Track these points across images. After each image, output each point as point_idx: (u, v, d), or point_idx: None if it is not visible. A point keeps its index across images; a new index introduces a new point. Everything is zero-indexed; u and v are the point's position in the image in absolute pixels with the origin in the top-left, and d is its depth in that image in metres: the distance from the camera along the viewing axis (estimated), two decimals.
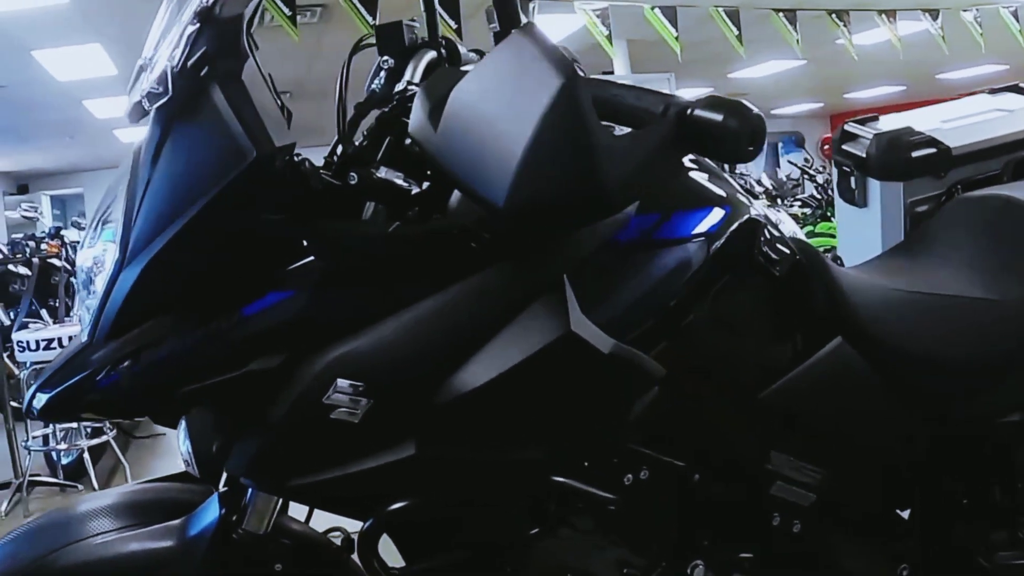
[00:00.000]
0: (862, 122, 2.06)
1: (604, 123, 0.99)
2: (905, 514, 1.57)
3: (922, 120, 2.02)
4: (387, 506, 1.13)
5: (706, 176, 1.32)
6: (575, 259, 1.16)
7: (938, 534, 1.56)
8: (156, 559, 1.22)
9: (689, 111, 1.00)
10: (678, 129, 1.01)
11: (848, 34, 7.45)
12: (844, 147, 2.06)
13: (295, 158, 1.12)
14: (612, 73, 9.05)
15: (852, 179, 2.08)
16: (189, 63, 1.06)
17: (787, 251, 1.33)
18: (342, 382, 1.08)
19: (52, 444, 4.69)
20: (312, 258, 1.11)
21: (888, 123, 2.03)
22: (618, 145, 0.98)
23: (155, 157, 1.10)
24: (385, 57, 1.32)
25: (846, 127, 2.07)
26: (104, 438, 4.62)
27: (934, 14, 7.18)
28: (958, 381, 1.48)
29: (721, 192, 1.29)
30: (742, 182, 8.65)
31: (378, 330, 1.10)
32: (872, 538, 1.52)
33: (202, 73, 1.06)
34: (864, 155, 1.99)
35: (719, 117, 0.99)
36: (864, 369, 1.41)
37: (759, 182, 8.46)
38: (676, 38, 7.05)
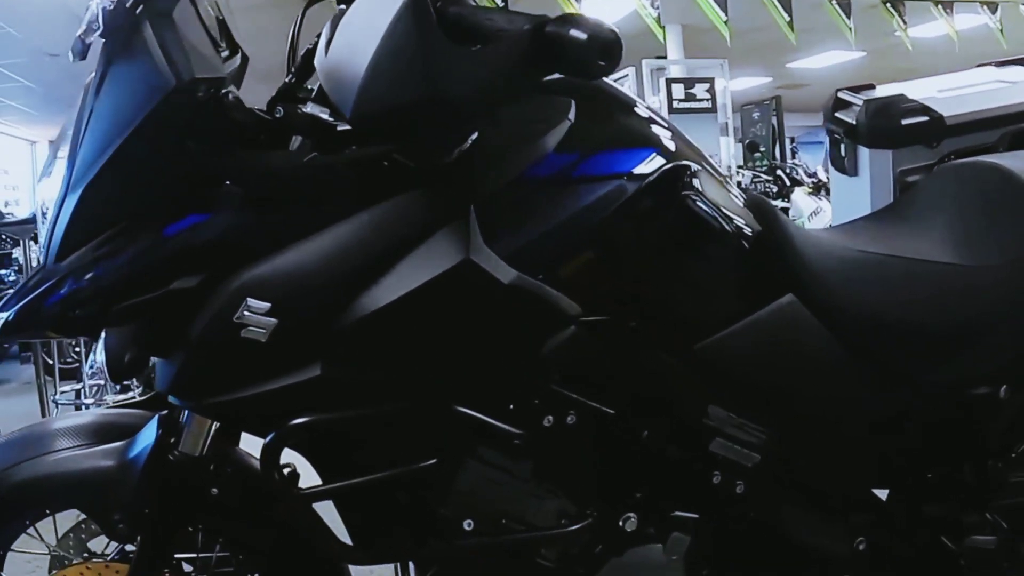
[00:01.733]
0: (856, 89, 2.00)
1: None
2: (882, 494, 1.53)
3: (918, 89, 1.97)
4: (290, 421, 1.15)
5: (646, 122, 1.30)
6: (484, 191, 1.17)
7: (901, 511, 1.52)
8: (100, 477, 1.28)
9: (544, 27, 1.02)
10: (531, 43, 1.02)
11: (904, 25, 7.28)
12: (836, 115, 2.01)
13: (223, 92, 1.15)
14: (665, 58, 9.01)
15: (842, 147, 2.02)
16: (125, 2, 1.11)
17: (728, 203, 1.31)
18: (252, 301, 1.12)
19: (81, 399, 4.80)
20: (231, 183, 1.15)
21: (884, 92, 1.98)
22: (466, 54, 1.02)
23: (98, 90, 1.15)
24: (341, 5, 1.34)
25: (839, 94, 2.02)
26: (131, 394, 4.72)
27: (992, 7, 6.98)
28: (918, 347, 1.43)
29: (651, 135, 1.27)
30: (791, 170, 8.52)
31: (288, 253, 1.13)
32: (828, 510, 1.47)
33: (137, 11, 1.11)
34: (854, 122, 1.94)
35: (570, 31, 1.00)
36: (816, 330, 1.37)
37: (815, 174, 8.33)
38: (725, 23, 6.97)
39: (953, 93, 1.96)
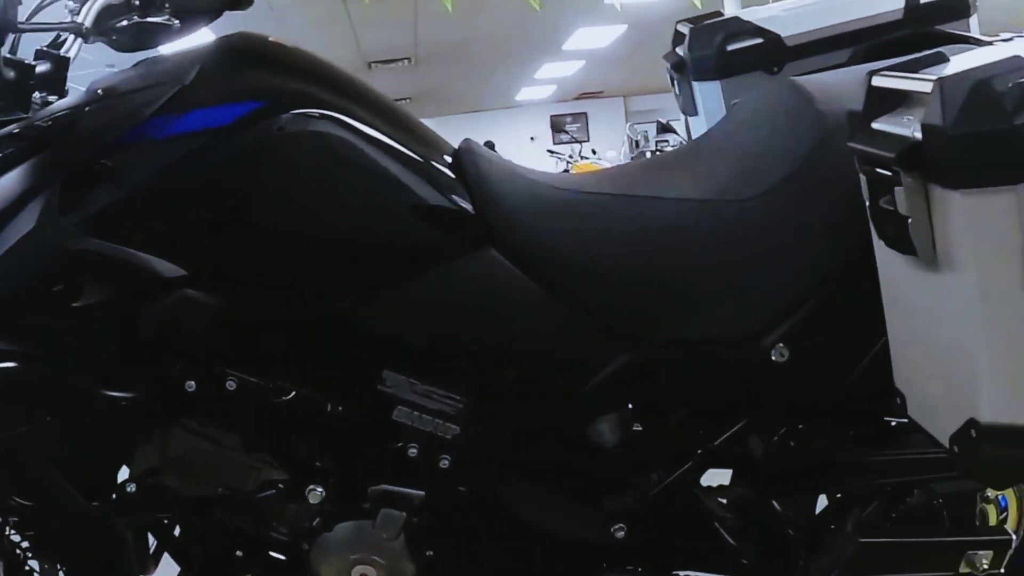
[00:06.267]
0: (696, 19, 1.80)
1: None
2: None
3: (760, 10, 1.74)
4: None
5: (282, 74, 1.24)
6: (72, 162, 1.17)
7: (657, 488, 1.32)
8: None
9: None
10: None
11: None
12: (675, 50, 1.81)
13: None
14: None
15: (676, 85, 1.82)
16: None
17: (376, 147, 1.20)
18: None
19: None
20: None
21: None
22: None
23: None
24: None
25: (677, 27, 1.81)
26: None
27: None
28: (646, 300, 1.24)
29: (256, 86, 1.20)
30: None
31: None
32: (578, 492, 1.31)
33: None
34: (681, 54, 1.74)
35: None
36: (520, 286, 1.22)
37: None
38: None
39: (797, 11, 1.72)
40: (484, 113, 14.32)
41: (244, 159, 1.16)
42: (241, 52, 1.24)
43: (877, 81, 1.01)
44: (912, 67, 1.00)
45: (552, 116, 7.80)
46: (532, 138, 12.41)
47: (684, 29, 1.77)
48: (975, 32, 1.73)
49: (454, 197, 1.23)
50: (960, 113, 0.86)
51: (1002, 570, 1.31)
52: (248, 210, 1.17)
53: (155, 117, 1.15)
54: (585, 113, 14.74)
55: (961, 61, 0.96)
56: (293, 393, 1.20)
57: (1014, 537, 1.38)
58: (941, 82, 0.88)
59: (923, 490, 1.36)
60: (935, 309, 0.99)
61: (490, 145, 7.93)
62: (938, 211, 0.92)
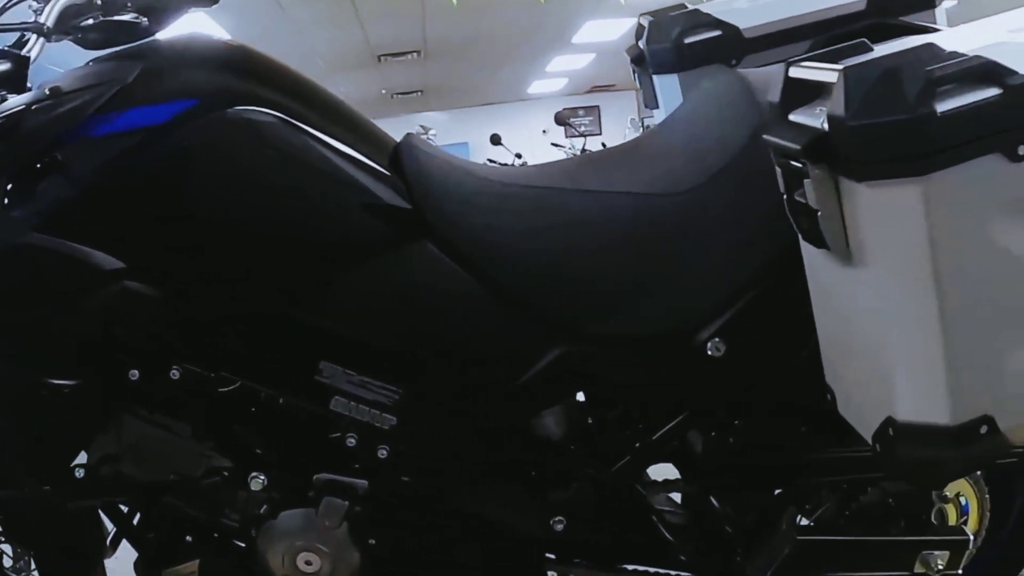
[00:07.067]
0: (659, 13, 1.77)
1: None
2: None
3: (721, 2, 1.72)
4: None
5: (200, 69, 1.23)
6: (18, 159, 1.18)
7: (596, 481, 1.31)
8: None
9: None
10: None
11: None
12: (637, 44, 1.79)
13: None
14: None
15: (638, 78, 1.79)
16: None
17: (313, 143, 1.21)
18: None
19: None
20: None
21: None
22: None
23: None
24: None
25: (640, 19, 1.79)
26: None
27: None
28: (580, 294, 1.23)
29: (193, 84, 1.20)
30: None
31: None
32: (518, 484, 1.30)
33: None
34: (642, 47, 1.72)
35: None
36: (454, 278, 1.22)
37: None
38: None
39: (755, 3, 1.70)
40: (496, 106, 14.27)
41: (178, 156, 1.17)
42: (183, 51, 1.25)
43: (794, 72, 0.99)
44: (833, 57, 0.97)
45: (556, 111, 7.72)
46: (544, 131, 12.36)
47: (644, 22, 1.75)
48: (943, 24, 1.70)
49: (391, 192, 1.23)
50: (861, 103, 0.84)
51: (960, 571, 1.29)
52: (183, 206, 1.18)
53: (96, 115, 1.16)
54: (597, 106, 14.67)
55: (882, 51, 0.94)
56: (236, 383, 1.21)
57: (971, 538, 1.36)
58: (845, 72, 0.86)
59: (875, 488, 1.35)
60: (852, 304, 0.98)
61: (496, 138, 7.90)
62: (848, 204, 0.91)
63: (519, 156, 8.21)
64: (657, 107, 1.77)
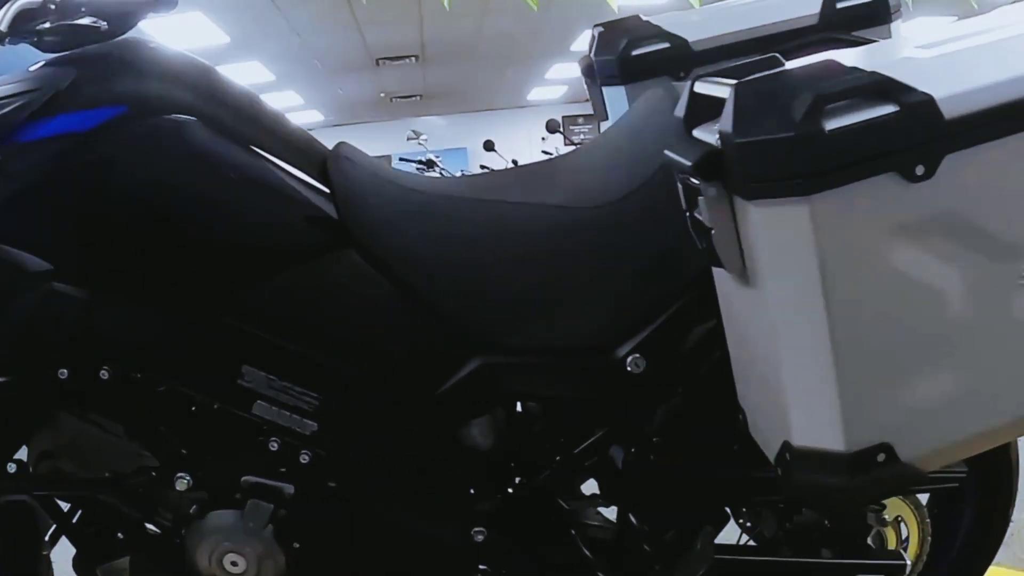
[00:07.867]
0: (608, 24, 1.76)
1: None
2: None
3: (671, 15, 1.70)
4: None
5: (130, 77, 1.22)
6: None
7: (516, 493, 1.30)
8: None
9: None
10: None
11: None
12: (589, 54, 1.77)
13: None
14: None
15: (588, 89, 1.78)
16: None
17: (238, 151, 1.21)
18: None
19: None
20: None
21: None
22: None
23: None
24: None
25: (592, 29, 1.77)
26: None
27: None
28: (493, 305, 1.22)
29: (121, 92, 1.20)
30: None
31: None
32: (439, 494, 1.28)
33: None
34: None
35: None
36: (376, 286, 1.21)
37: None
38: None
39: (706, 15, 1.68)
40: (495, 112, 14.27)
41: (103, 163, 1.17)
42: (115, 59, 1.24)
43: (699, 87, 0.97)
44: (739, 73, 0.95)
45: (548, 120, 7.68)
46: (544, 138, 12.36)
47: (595, 32, 1.73)
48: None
49: (317, 201, 1.23)
50: (748, 120, 0.82)
51: None
52: (108, 211, 1.19)
53: (29, 121, 1.18)
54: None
55: (790, 67, 0.91)
56: (164, 385, 1.23)
57: (908, 563, 1.34)
58: (736, 88, 0.84)
59: (810, 509, 1.33)
60: (751, 325, 0.96)
61: (489, 144, 7.89)
62: (741, 224, 0.88)
63: (515, 163, 8.21)
64: (606, 119, 1.76)
